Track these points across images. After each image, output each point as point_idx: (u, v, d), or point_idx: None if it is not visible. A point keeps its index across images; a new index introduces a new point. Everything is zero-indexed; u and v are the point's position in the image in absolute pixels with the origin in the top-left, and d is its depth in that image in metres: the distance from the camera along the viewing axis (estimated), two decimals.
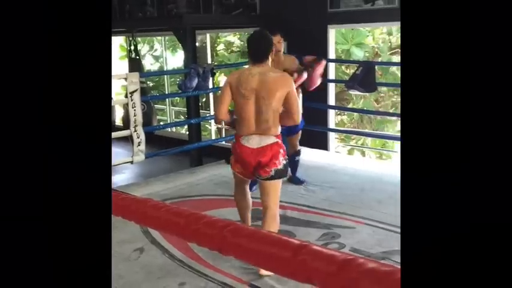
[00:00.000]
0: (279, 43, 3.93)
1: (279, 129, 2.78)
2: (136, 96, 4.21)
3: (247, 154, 2.73)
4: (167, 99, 9.12)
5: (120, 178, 5.95)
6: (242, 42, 10.54)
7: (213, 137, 8.09)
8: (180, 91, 5.06)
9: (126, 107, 4.85)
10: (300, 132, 4.30)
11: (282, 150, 2.76)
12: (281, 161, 2.74)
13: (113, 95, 7.91)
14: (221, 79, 10.49)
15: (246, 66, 3.12)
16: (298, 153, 4.40)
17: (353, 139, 8.78)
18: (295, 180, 4.40)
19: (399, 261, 3.03)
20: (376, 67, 5.11)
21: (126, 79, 4.26)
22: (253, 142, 2.71)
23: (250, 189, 3.41)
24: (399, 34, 8.75)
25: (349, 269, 0.79)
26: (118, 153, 6.53)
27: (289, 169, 3.10)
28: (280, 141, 2.76)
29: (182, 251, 3.11)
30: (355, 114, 8.72)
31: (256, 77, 2.67)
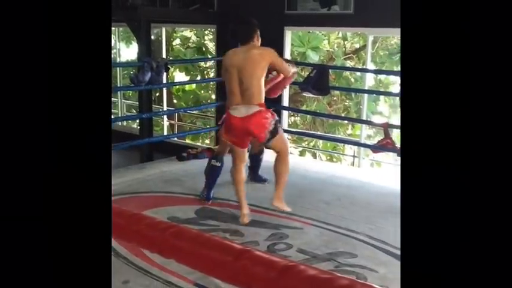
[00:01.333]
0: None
1: (262, 97, 3.23)
2: None
3: (234, 123, 3.24)
4: (119, 92, 8.90)
5: None
6: (198, 38, 10.45)
7: (165, 133, 7.97)
8: (132, 84, 4.94)
9: None
10: None
11: (268, 115, 3.24)
12: (270, 123, 3.23)
13: None
14: (176, 74, 10.36)
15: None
16: (261, 152, 4.43)
17: (305, 141, 8.90)
18: (257, 179, 4.42)
19: (344, 262, 3.07)
20: (329, 71, 5.19)
21: None
22: (239, 112, 3.20)
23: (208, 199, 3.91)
24: (354, 39, 8.94)
25: (289, 275, 0.79)
26: None
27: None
28: (263, 108, 3.22)
29: (128, 248, 3.04)
30: (308, 116, 8.84)
31: (239, 55, 3.20)
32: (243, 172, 3.50)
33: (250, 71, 3.15)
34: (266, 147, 3.52)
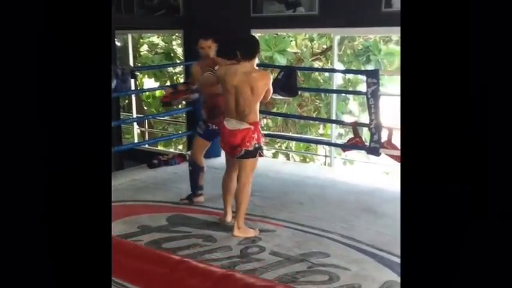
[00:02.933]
0: (210, 48, 3.91)
1: (256, 117, 3.32)
2: None
3: (225, 133, 3.34)
4: None
5: None
6: (166, 44, 10.36)
7: (136, 140, 7.87)
8: None
9: None
10: None
11: (254, 135, 3.30)
12: (252, 144, 3.29)
13: None
14: (145, 81, 10.23)
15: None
16: None
17: (277, 143, 8.91)
18: None
19: (317, 262, 3.06)
20: (298, 72, 5.21)
21: None
22: (231, 124, 3.30)
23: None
24: (321, 40, 9.01)
25: (225, 285, 0.77)
26: None
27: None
28: (253, 127, 3.28)
29: None
30: (280, 118, 8.87)
31: (239, 76, 3.24)
32: (234, 181, 3.49)
33: (249, 95, 3.22)
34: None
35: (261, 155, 3.40)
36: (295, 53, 8.90)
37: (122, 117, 6.59)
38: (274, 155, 8.54)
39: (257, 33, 5.87)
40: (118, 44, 8.80)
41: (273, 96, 5.58)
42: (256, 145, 3.31)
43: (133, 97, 7.55)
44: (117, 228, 3.47)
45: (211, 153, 5.36)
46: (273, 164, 5.54)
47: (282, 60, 8.10)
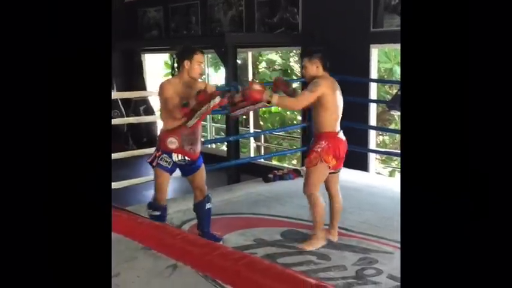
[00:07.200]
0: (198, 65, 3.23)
1: None
2: None
3: (342, 145, 3.27)
4: (208, 116, 9.20)
5: None
6: (284, 61, 10.57)
7: (252, 154, 8.08)
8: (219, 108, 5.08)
9: None
10: (204, 169, 3.40)
11: None
12: None
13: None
14: None
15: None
16: (208, 199, 3.41)
17: (394, 160, 8.57)
18: (209, 237, 3.30)
19: None
20: None
21: None
22: (342, 135, 3.29)
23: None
24: None
25: None
26: None
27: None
28: None
29: None
30: (398, 135, 8.53)
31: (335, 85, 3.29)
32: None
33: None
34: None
35: None
36: None
37: (240, 132, 6.81)
38: (391, 174, 8.21)
39: (376, 48, 5.74)
40: (239, 62, 9.18)
41: (392, 113, 5.41)
42: None
43: (251, 112, 7.78)
44: (234, 239, 3.58)
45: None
46: (389, 184, 5.32)
47: None
